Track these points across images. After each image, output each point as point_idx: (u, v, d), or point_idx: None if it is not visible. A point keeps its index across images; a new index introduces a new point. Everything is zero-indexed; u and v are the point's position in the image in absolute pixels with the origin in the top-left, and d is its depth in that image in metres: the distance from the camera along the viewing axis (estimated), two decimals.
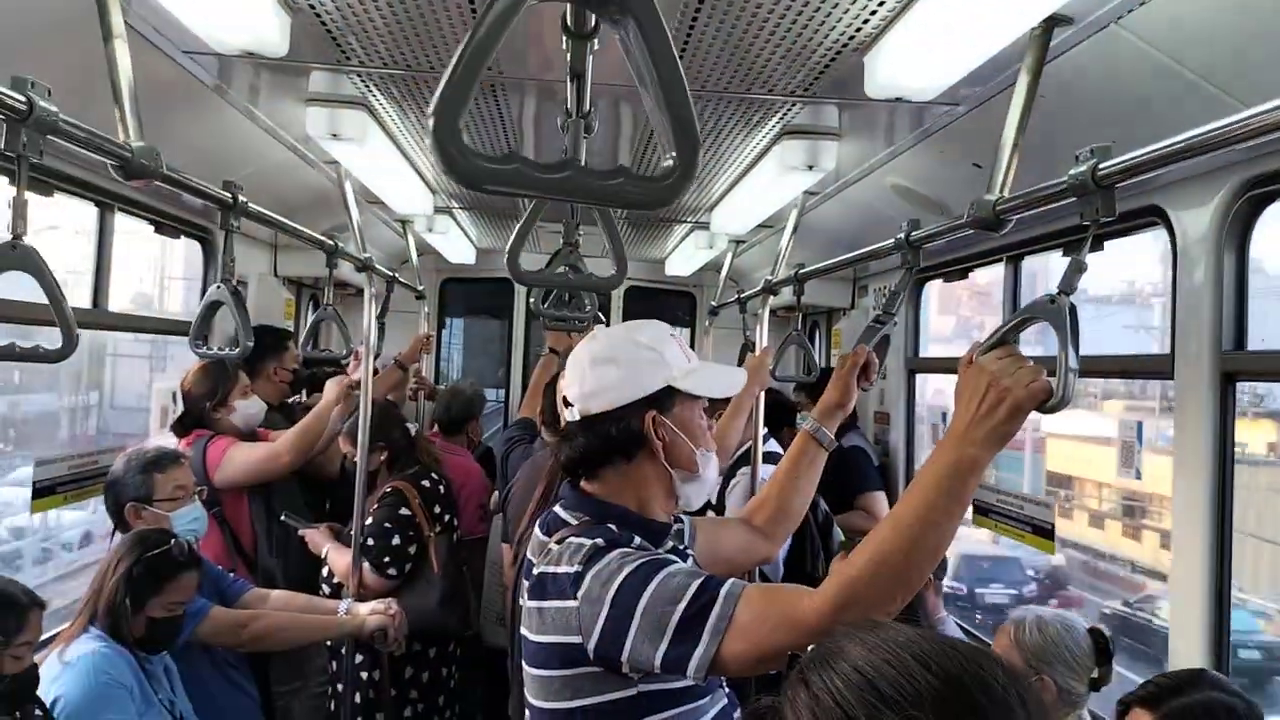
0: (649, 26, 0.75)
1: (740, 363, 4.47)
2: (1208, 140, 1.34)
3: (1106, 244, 2.83)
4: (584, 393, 1.72)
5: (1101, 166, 1.48)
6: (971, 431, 1.40)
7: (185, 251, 4.37)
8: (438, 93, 0.71)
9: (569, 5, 0.92)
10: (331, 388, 3.83)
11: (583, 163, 1.81)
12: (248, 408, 3.80)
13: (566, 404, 1.76)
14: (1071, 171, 1.53)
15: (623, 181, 0.76)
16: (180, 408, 3.77)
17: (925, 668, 0.81)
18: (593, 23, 1.26)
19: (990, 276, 3.60)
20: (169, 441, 3.63)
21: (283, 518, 3.68)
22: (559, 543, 1.66)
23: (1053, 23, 1.90)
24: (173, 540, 2.65)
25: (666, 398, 1.73)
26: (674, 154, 0.76)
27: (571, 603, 1.56)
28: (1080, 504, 21.02)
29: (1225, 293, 2.32)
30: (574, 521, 1.72)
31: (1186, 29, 1.85)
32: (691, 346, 6.48)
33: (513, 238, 2.36)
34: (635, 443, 1.72)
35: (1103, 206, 1.51)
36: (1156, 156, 1.42)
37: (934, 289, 3.48)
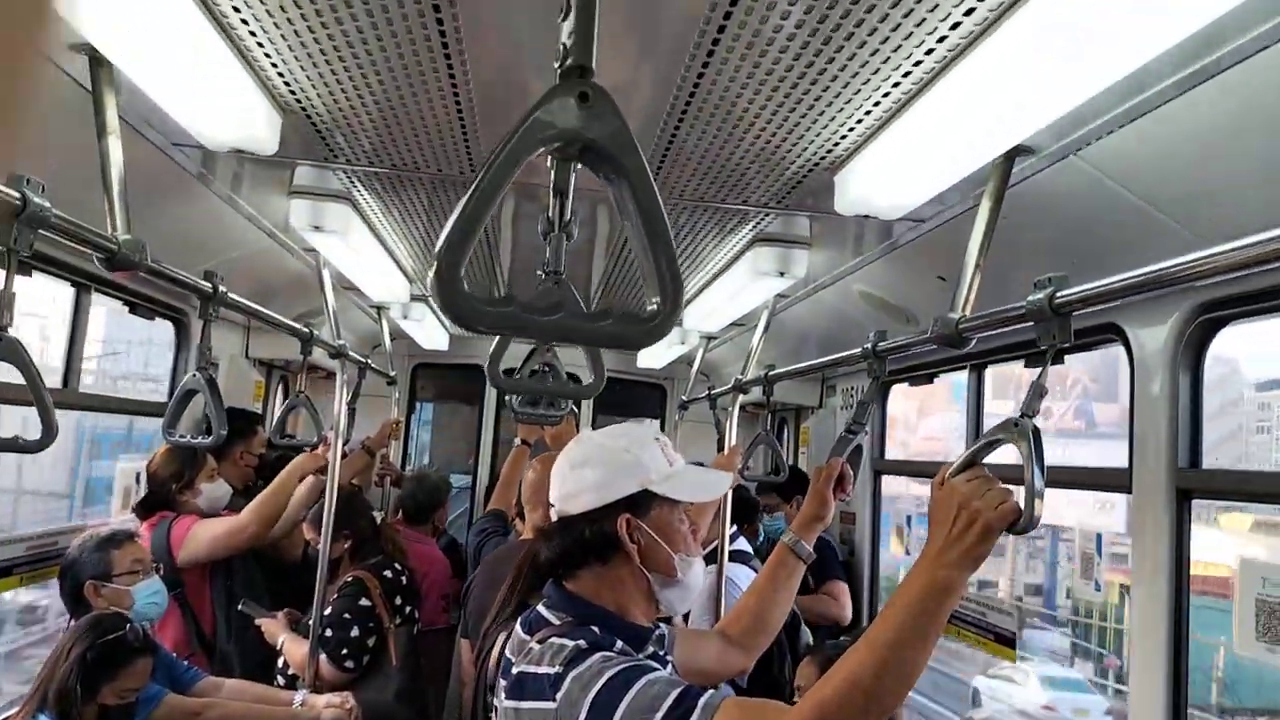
0: (640, 187, 0.80)
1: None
2: (1161, 276, 1.41)
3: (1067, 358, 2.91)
4: (563, 494, 1.76)
5: (1059, 295, 1.55)
6: (945, 554, 1.44)
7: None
8: (441, 242, 0.76)
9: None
10: (302, 459, 3.82)
11: (563, 272, 1.87)
12: (213, 491, 3.78)
13: (549, 505, 1.80)
14: (1030, 298, 1.60)
15: (610, 323, 0.81)
16: (144, 489, 3.74)
17: None
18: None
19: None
20: (130, 523, 3.59)
21: (241, 606, 3.63)
22: (540, 642, 1.65)
23: (1015, 152, 2.00)
24: (128, 625, 2.61)
25: (643, 501, 1.74)
26: (658, 299, 0.81)
27: (550, 704, 1.55)
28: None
29: (1181, 411, 2.38)
30: (556, 621, 1.71)
31: (1140, 164, 1.95)
32: None
33: (493, 346, 2.40)
34: (610, 545, 1.73)
35: (1059, 333, 1.58)
36: (1112, 289, 1.49)
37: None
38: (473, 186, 0.76)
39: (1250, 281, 2.11)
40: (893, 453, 4.84)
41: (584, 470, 1.75)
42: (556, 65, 0.84)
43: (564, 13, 0.85)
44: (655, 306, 0.81)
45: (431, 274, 0.75)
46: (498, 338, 2.36)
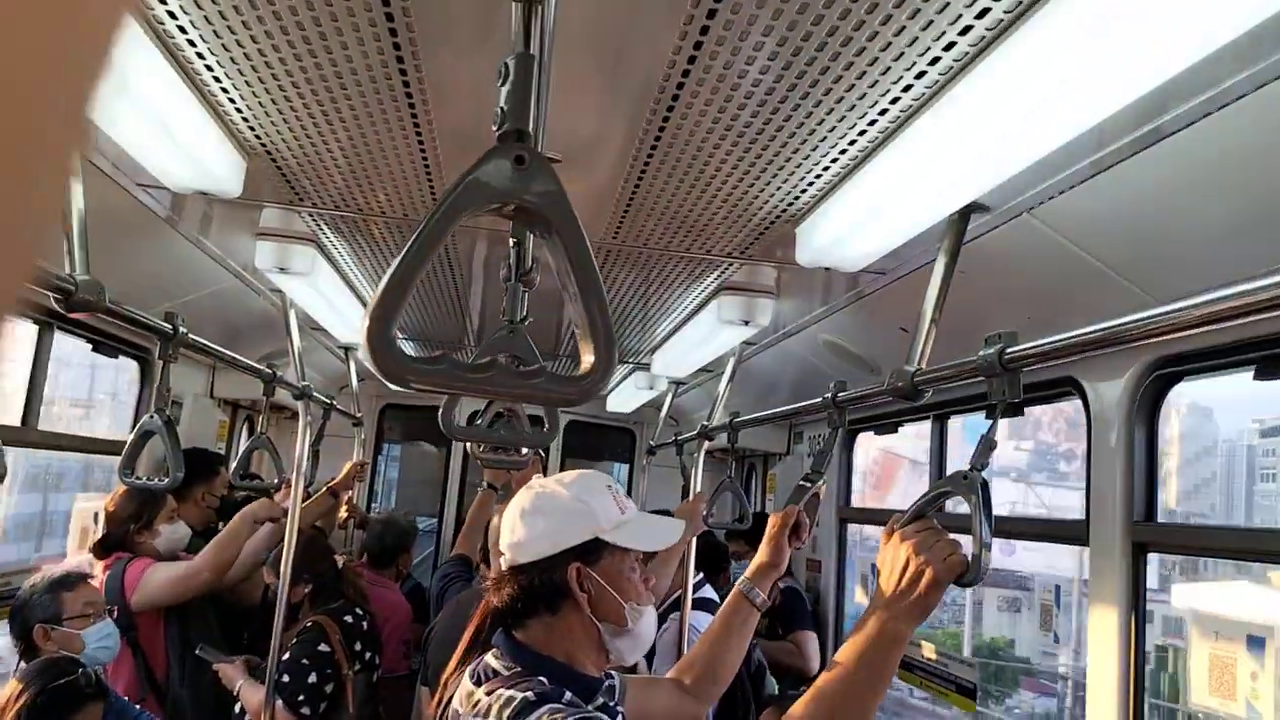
0: (572, 244, 0.81)
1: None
2: (1110, 334, 1.44)
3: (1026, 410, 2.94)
4: (513, 542, 1.74)
5: (1008, 351, 1.58)
6: (893, 605, 1.46)
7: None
8: (373, 300, 0.76)
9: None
10: (258, 505, 3.77)
11: (524, 319, 1.88)
12: (172, 533, 3.72)
13: (500, 553, 1.78)
14: (981, 353, 1.62)
15: (543, 380, 0.81)
16: (101, 529, 3.68)
17: None
18: None
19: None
20: (86, 563, 3.53)
21: (198, 651, 3.56)
22: (489, 694, 1.62)
23: (970, 209, 2.03)
24: (80, 669, 2.56)
25: (593, 550, 1.73)
26: (592, 358, 0.81)
27: None
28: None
29: (1136, 465, 2.41)
30: (505, 671, 1.69)
31: (1091, 223, 1.99)
32: (630, 482, 6.44)
33: (446, 398, 2.40)
34: (559, 594, 1.71)
35: (1009, 388, 1.60)
36: (1060, 346, 1.52)
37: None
38: (407, 246, 0.77)
39: (1204, 338, 2.14)
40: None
41: (535, 518, 1.73)
42: (495, 128, 0.86)
43: (502, 78, 0.87)
44: (589, 365, 0.81)
45: (363, 332, 0.75)
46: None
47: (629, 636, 1.77)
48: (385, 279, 0.77)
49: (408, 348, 5.23)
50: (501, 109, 0.86)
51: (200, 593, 3.62)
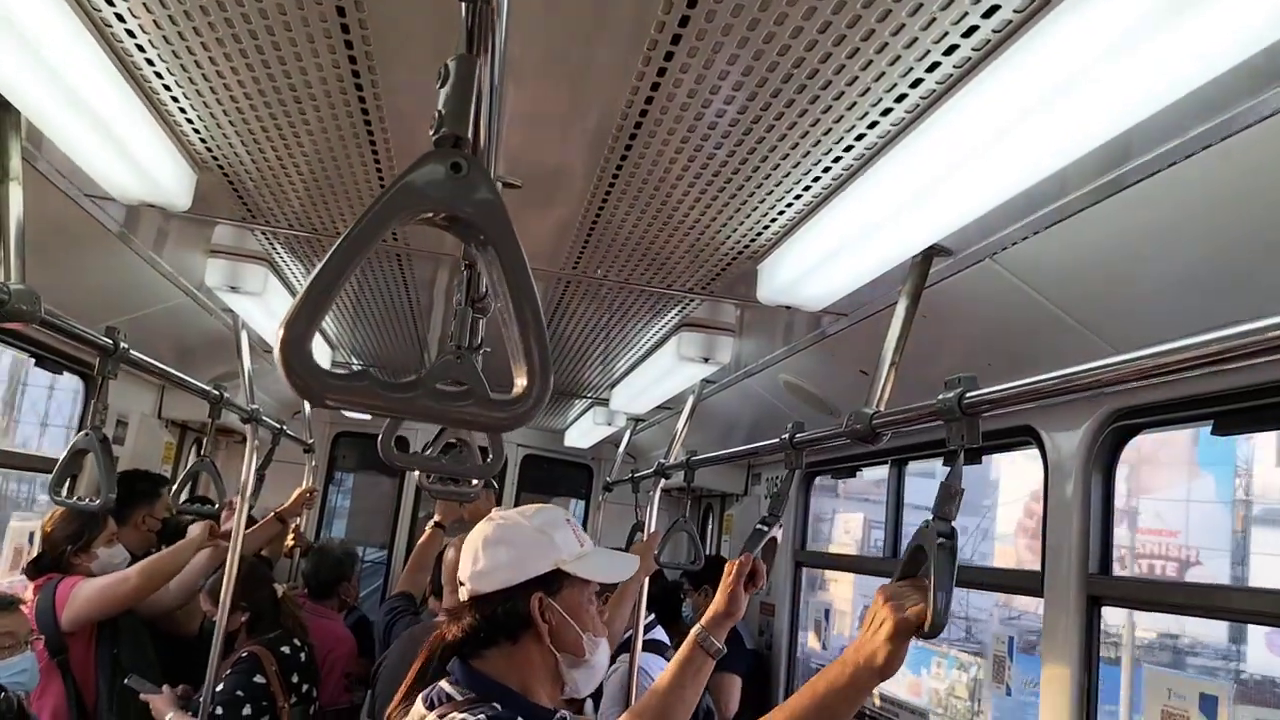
0: (507, 257, 0.77)
1: (629, 543, 4.44)
2: (1069, 382, 1.41)
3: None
4: (475, 572, 1.75)
5: (968, 396, 1.55)
6: (855, 653, 1.49)
7: None
8: (291, 308, 0.71)
9: None
10: (197, 528, 3.64)
11: (478, 347, 1.83)
12: (110, 557, 3.58)
13: (460, 584, 1.79)
14: (940, 397, 1.59)
15: (471, 404, 0.76)
16: (37, 549, 3.55)
17: None
18: None
19: None
20: (20, 584, 3.40)
21: (126, 680, 3.43)
22: (441, 717, 1.63)
23: (933, 252, 2.01)
24: (1, 695, 2.45)
25: (554, 581, 1.75)
26: (524, 381, 0.76)
27: None
28: None
29: (1093, 517, 2.38)
30: (459, 697, 1.68)
31: (1053, 270, 1.98)
32: (585, 519, 6.39)
33: (387, 423, 2.34)
34: (521, 624, 1.73)
35: (968, 433, 1.57)
36: (1020, 391, 1.49)
37: None
38: (330, 251, 0.72)
39: (1161, 391, 2.14)
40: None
41: (498, 549, 1.75)
42: (431, 133, 0.81)
43: (441, 80, 0.83)
44: (521, 390, 0.77)
45: (278, 342, 0.70)
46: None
47: (585, 667, 1.80)
48: (305, 286, 0.72)
49: None
50: (440, 112, 0.82)
51: (128, 603, 3.47)
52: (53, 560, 3.48)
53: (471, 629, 1.74)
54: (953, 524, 1.53)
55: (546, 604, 1.73)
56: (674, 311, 3.01)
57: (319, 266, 0.72)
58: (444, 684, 1.74)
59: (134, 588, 3.42)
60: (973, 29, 1.30)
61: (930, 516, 1.55)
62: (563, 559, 1.76)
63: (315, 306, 0.72)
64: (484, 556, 1.75)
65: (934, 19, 1.29)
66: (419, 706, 1.72)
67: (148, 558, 3.51)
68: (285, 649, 3.49)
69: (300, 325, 0.71)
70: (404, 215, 0.78)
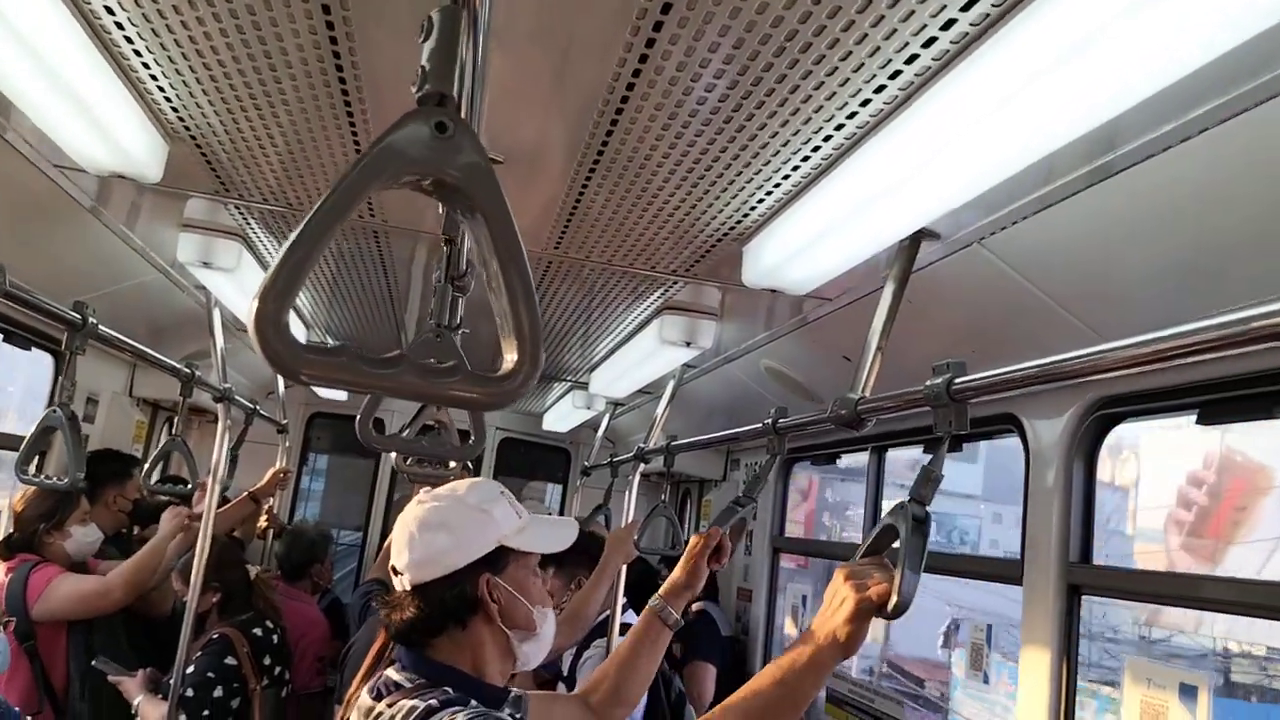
0: (496, 224, 0.73)
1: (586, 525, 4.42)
2: (1059, 369, 1.39)
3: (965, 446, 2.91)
4: (414, 561, 1.66)
5: (957, 382, 1.52)
6: (816, 633, 1.46)
7: None
8: (266, 278, 0.67)
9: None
10: (168, 520, 3.58)
11: (457, 326, 1.78)
12: (84, 536, 3.52)
13: (396, 572, 1.69)
14: (928, 383, 1.57)
15: (458, 380, 0.72)
16: (7, 528, 3.47)
17: None
18: None
19: None
20: None
21: (95, 662, 3.37)
22: (390, 705, 1.57)
23: (921, 236, 1.99)
24: None
25: (499, 558, 1.68)
26: (514, 356, 0.73)
27: None
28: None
29: (1074, 506, 2.38)
30: (408, 684, 1.62)
31: (1041, 256, 1.96)
32: (563, 502, 6.35)
33: (365, 403, 2.29)
34: (470, 608, 1.66)
35: (956, 419, 1.54)
36: (1008, 378, 1.46)
37: None
38: (307, 217, 0.68)
39: (1145, 380, 2.13)
40: None
41: (436, 534, 1.66)
42: (414, 89, 0.77)
43: (424, 33, 0.78)
44: (511, 365, 0.73)
45: (252, 314, 0.66)
46: (368, 396, 2.24)
47: (535, 640, 1.75)
48: (280, 254, 0.68)
49: None
50: (423, 68, 0.77)
51: (109, 612, 3.43)
52: (24, 540, 3.41)
53: (415, 619, 1.66)
54: (927, 508, 1.52)
55: (494, 583, 1.67)
56: (656, 294, 2.98)
57: (293, 234, 0.68)
58: (390, 672, 1.68)
59: (118, 600, 3.37)
60: (971, 2, 1.28)
61: (906, 498, 1.53)
62: (505, 535, 1.69)
63: (291, 277, 0.68)
64: (421, 543, 1.66)
65: None
66: (365, 698, 1.65)
67: (127, 563, 3.44)
68: (257, 631, 3.44)
69: (275, 296, 0.67)
70: (385, 179, 0.73)
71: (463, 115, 1.15)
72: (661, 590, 2.17)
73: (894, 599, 1.41)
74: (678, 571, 2.19)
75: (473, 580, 1.65)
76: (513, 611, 1.69)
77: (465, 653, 1.68)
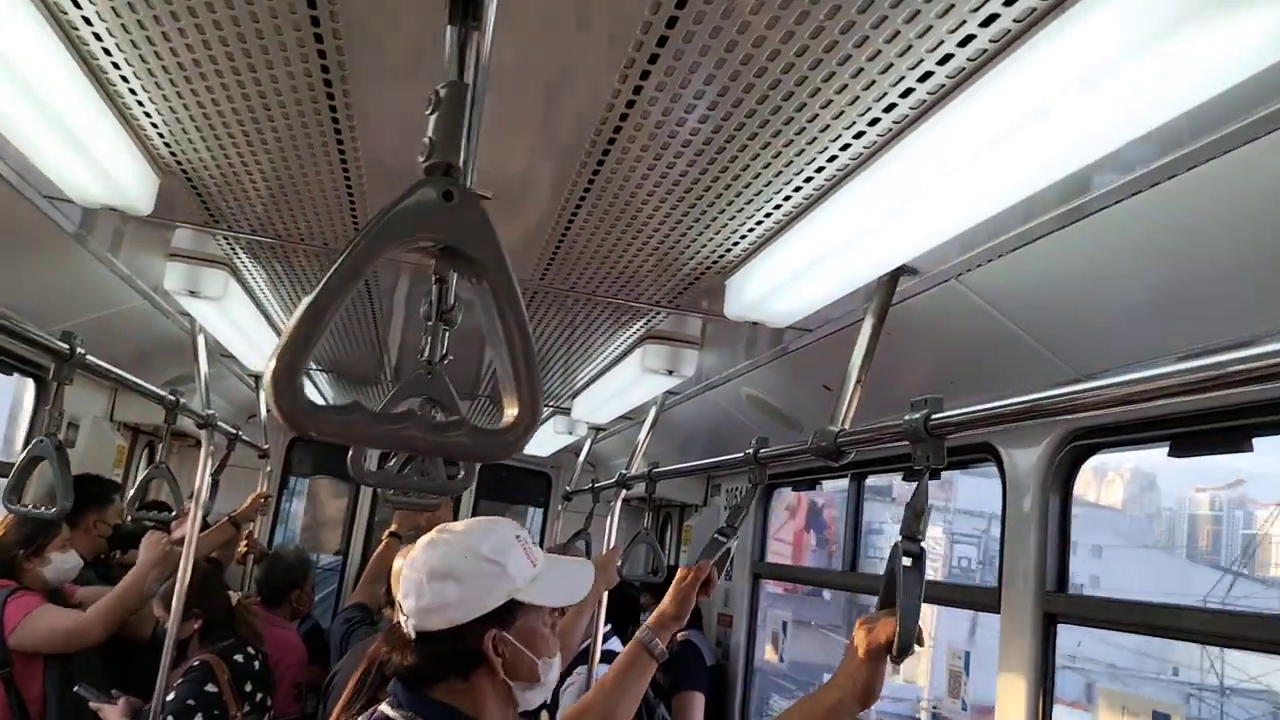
0: (502, 290, 0.76)
1: (566, 550, 4.44)
2: (1035, 407, 1.43)
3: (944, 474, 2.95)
4: (419, 608, 1.61)
5: (934, 417, 1.56)
6: (841, 676, 1.56)
7: None
8: (283, 339, 0.70)
9: None
10: (148, 549, 3.56)
11: (444, 357, 1.81)
12: (63, 562, 3.50)
13: (402, 615, 1.65)
14: (906, 417, 1.61)
15: (463, 434, 0.75)
16: None
17: None
18: None
19: None
20: None
21: (76, 688, 3.35)
22: None
23: (900, 272, 2.03)
24: None
25: (508, 612, 1.63)
26: (515, 411, 0.76)
27: None
28: None
29: (1050, 535, 2.42)
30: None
31: (1018, 293, 2.01)
32: (544, 527, 6.33)
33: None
34: (473, 661, 1.62)
35: (933, 454, 1.58)
36: (986, 415, 1.50)
37: None
38: (321, 283, 0.71)
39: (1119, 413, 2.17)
40: None
41: (445, 584, 1.60)
42: (422, 159, 0.80)
43: (432, 106, 0.81)
44: (513, 419, 0.76)
45: (269, 373, 0.68)
46: None
47: (539, 688, 1.71)
48: (296, 317, 0.70)
49: (320, 379, 5.11)
50: (430, 139, 0.80)
51: (86, 649, 3.40)
52: (3, 566, 3.39)
53: (417, 666, 1.63)
54: (921, 543, 1.55)
55: (501, 639, 1.62)
56: (639, 324, 3.02)
57: (308, 299, 0.71)
58: (385, 708, 1.64)
59: (96, 639, 3.35)
60: (969, 37, 1.32)
61: (899, 537, 1.57)
62: (516, 588, 1.63)
63: (306, 339, 0.70)
64: (429, 592, 1.60)
65: (910, 45, 1.31)
66: None
67: (105, 600, 3.40)
68: (238, 657, 3.43)
69: (291, 357, 0.69)
70: (396, 244, 0.76)
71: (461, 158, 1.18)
72: (649, 621, 2.19)
73: (896, 640, 1.46)
74: (666, 603, 2.20)
75: (478, 636, 1.61)
76: (517, 665, 1.64)
77: (465, 698, 1.64)
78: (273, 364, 0.69)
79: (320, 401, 5.51)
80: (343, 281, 0.72)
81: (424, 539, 1.70)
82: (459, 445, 0.76)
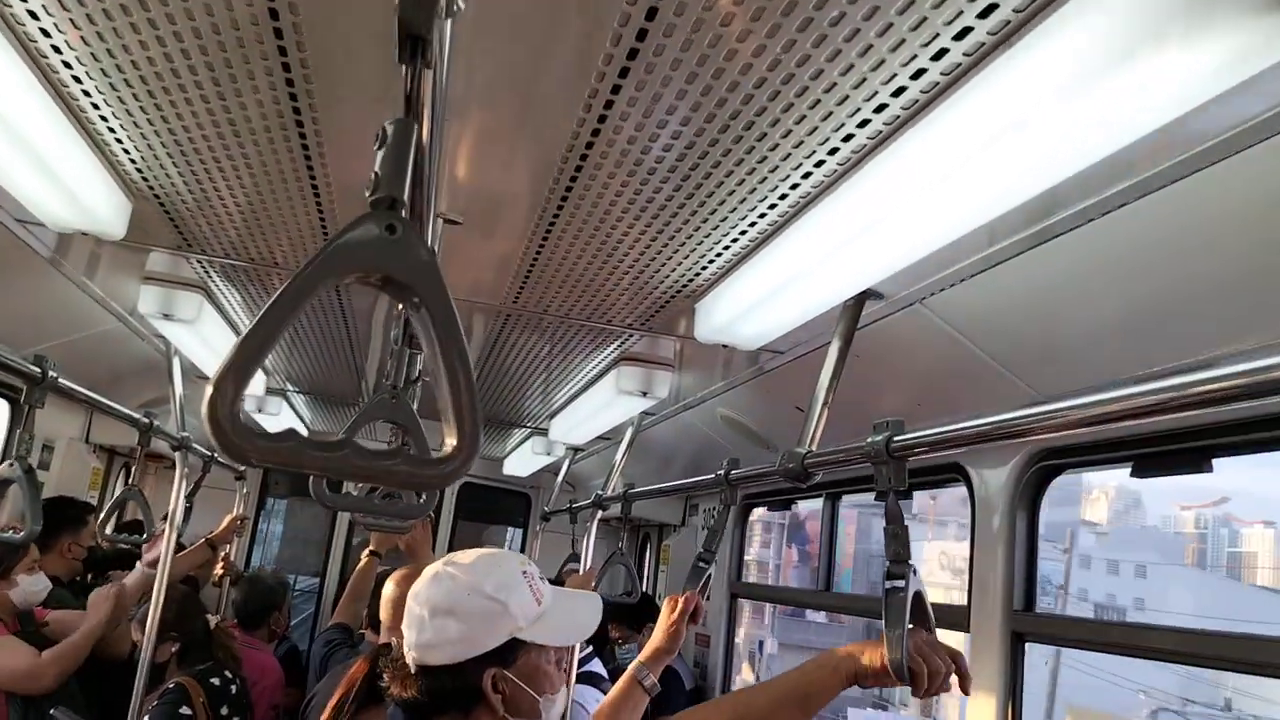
0: (440, 318, 0.78)
1: (560, 570, 4.44)
2: (997, 428, 1.44)
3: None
4: (420, 642, 1.61)
5: (896, 439, 1.58)
6: (845, 657, 1.56)
7: None
8: (222, 366, 0.71)
9: None
10: (94, 608, 3.45)
11: (415, 380, 1.82)
12: (31, 585, 3.47)
13: (405, 648, 1.65)
14: (869, 439, 1.62)
15: (398, 462, 0.77)
16: None
17: None
18: None
19: None
20: None
21: (53, 712, 3.31)
22: None
23: (865, 296, 2.06)
24: None
25: (510, 650, 1.62)
26: (454, 441, 0.77)
27: None
28: None
29: (1017, 554, 2.44)
30: None
31: (980, 316, 2.04)
32: (523, 547, 6.32)
33: None
34: (474, 698, 1.60)
35: (895, 476, 1.60)
36: (947, 436, 1.52)
37: None
38: (262, 311, 0.72)
39: (1084, 434, 2.20)
40: None
41: (446, 621, 1.59)
42: (367, 193, 0.82)
43: (379, 142, 0.84)
44: (451, 449, 0.77)
45: (205, 402, 0.70)
46: None
47: None
48: (234, 347, 0.72)
49: (298, 400, 5.11)
50: (376, 174, 0.82)
51: (35, 694, 3.35)
52: None
53: (418, 700, 1.62)
54: (909, 562, 1.56)
55: (501, 677, 1.60)
56: (613, 346, 3.04)
57: (249, 326, 0.72)
58: None
59: (47, 687, 3.24)
60: (921, 71, 1.34)
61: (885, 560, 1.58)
62: (519, 627, 1.61)
63: (246, 365, 0.72)
64: (430, 628, 1.60)
65: (881, 61, 1.33)
66: None
67: (62, 647, 3.30)
68: (215, 680, 3.41)
69: (230, 384, 0.71)
70: (337, 276, 0.78)
71: (424, 183, 1.20)
72: (641, 656, 2.18)
73: (884, 661, 1.48)
74: (658, 637, 2.20)
75: (478, 674, 1.59)
76: (518, 702, 1.62)
77: None
78: (209, 392, 0.70)
79: (295, 425, 5.51)
80: (283, 310, 0.74)
81: (429, 570, 1.69)
82: (396, 473, 0.78)
